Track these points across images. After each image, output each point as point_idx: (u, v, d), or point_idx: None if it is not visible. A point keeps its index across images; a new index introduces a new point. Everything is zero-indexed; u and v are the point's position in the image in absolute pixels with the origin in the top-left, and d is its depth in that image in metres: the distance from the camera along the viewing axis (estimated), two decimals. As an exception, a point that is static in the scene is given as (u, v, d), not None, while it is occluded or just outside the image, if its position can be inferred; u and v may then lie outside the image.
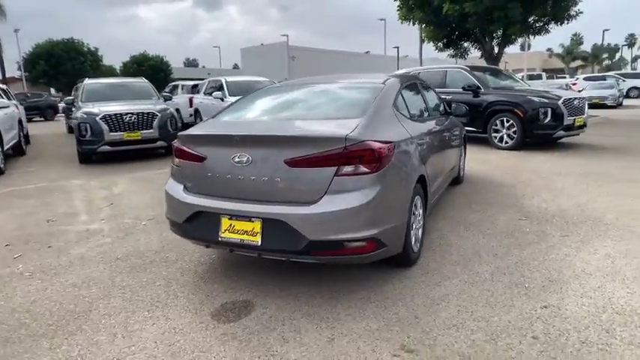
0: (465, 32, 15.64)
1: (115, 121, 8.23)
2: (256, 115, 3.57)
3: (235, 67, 74.66)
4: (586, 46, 65.82)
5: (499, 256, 3.40)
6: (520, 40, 18.38)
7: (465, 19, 13.69)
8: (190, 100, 13.85)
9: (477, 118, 8.91)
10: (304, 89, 3.90)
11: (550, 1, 13.32)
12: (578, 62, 64.43)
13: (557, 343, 2.25)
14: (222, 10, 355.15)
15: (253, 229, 2.69)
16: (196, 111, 13.05)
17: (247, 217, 2.71)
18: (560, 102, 8.14)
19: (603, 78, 25.02)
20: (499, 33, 15.16)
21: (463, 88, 9.25)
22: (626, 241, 3.62)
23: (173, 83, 18.52)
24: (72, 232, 4.38)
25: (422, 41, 17.89)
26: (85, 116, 8.21)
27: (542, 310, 2.57)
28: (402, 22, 16.12)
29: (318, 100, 3.64)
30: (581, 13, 14.72)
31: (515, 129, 8.46)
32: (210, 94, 12.09)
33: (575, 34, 63.30)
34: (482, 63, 15.97)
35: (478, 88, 9.08)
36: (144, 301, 2.90)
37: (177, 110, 13.36)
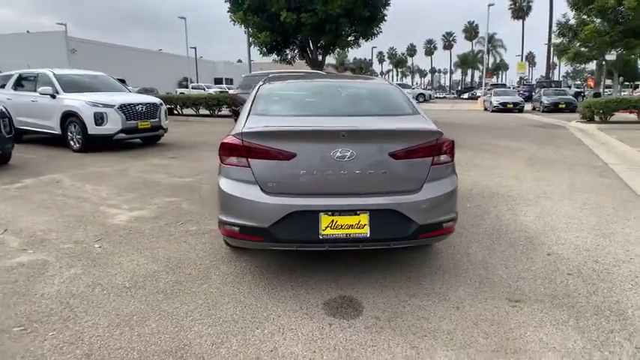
0: (294, 40, 16.88)
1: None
2: (308, 111, 3.40)
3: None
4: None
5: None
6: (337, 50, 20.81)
7: (299, 28, 14.82)
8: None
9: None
10: (326, 87, 3.99)
11: (363, 21, 15.72)
12: (349, 72, 76.78)
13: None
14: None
15: (360, 221, 2.72)
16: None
17: (353, 211, 2.71)
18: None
19: None
20: (323, 43, 16.98)
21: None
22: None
23: None
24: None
25: (249, 45, 18.31)
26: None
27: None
28: (234, 25, 16.23)
29: (355, 98, 3.72)
30: (381, 32, 17.86)
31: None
32: (24, 88, 9.75)
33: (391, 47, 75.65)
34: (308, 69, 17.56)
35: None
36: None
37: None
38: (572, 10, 17.92)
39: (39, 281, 3.07)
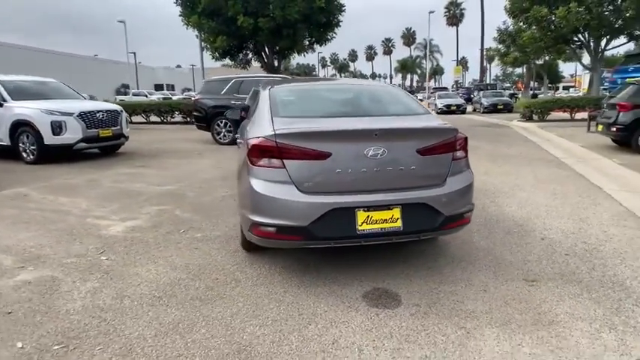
0: (248, 45, 16.81)
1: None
2: (331, 112, 3.48)
3: None
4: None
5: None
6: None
7: (256, 33, 14.79)
8: None
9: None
10: (337, 89, 4.17)
11: (320, 27, 16.03)
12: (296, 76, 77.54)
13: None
14: None
15: (393, 216, 2.86)
16: None
17: (386, 206, 2.85)
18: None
19: None
20: (278, 48, 17.05)
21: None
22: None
23: None
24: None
25: (202, 49, 17.90)
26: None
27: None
28: (187, 28, 15.85)
29: (370, 99, 3.86)
30: (335, 37, 18.27)
31: None
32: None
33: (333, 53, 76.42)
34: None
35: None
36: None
37: None
38: (510, 19, 19.53)
39: (56, 298, 2.91)
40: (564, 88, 58.03)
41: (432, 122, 3.31)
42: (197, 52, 18.49)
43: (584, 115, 14.71)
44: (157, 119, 17.75)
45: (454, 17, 75.02)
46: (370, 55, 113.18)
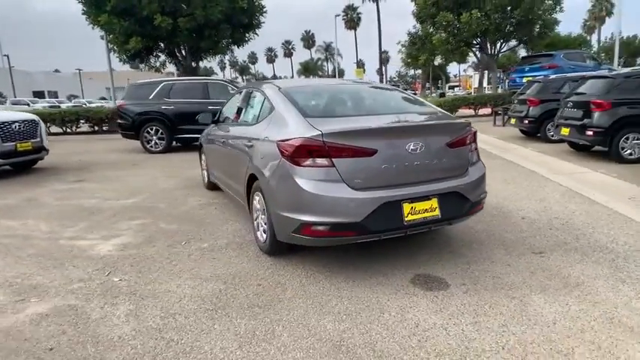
0: (158, 46, 15.91)
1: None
2: (359, 111, 3.66)
3: None
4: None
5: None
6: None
7: (174, 34, 14.08)
8: None
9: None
10: (349, 90, 4.26)
11: (242, 27, 15.79)
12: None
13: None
14: None
15: (432, 205, 3.10)
16: None
17: (426, 197, 3.08)
18: None
19: None
20: (193, 48, 16.39)
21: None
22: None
23: None
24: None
25: (109, 52, 16.32)
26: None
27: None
28: (93, 28, 14.50)
29: (384, 98, 4.07)
30: (252, 39, 18.12)
31: None
32: None
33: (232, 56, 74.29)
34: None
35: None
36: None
37: None
38: (418, 23, 21.28)
39: (95, 326, 2.62)
40: (450, 87, 64.46)
41: (450, 118, 3.63)
42: (78, 53, 16.94)
43: (486, 110, 16.67)
44: (59, 130, 15.96)
45: (352, 21, 78.74)
46: (270, 58, 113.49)
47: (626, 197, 5.11)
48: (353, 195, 2.90)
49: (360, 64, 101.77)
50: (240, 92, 4.94)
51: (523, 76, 15.17)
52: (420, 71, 49.83)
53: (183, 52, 16.21)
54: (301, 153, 2.95)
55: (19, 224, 4.79)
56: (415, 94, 41.43)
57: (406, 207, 3.01)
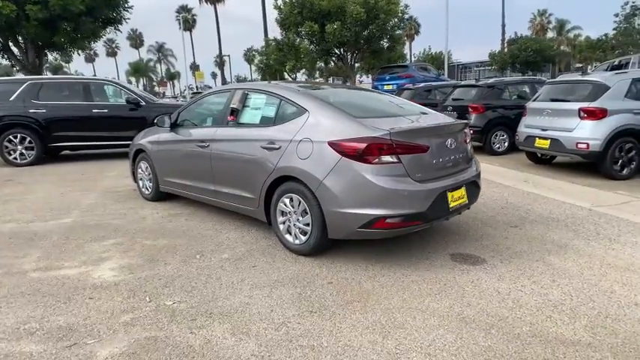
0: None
1: None
2: (389, 113, 3.88)
3: None
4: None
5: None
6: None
7: (19, 24, 11.69)
8: None
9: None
10: (357, 93, 4.55)
11: (106, 21, 13.96)
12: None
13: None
14: None
15: (462, 193, 3.62)
16: None
17: (459, 186, 3.58)
18: None
19: None
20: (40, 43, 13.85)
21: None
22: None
23: None
24: None
25: None
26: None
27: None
28: None
29: (396, 101, 4.36)
30: (98, 40, 15.90)
31: None
32: None
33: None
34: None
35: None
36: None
37: None
38: (282, 31, 21.87)
39: (207, 354, 2.36)
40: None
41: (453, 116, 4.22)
42: None
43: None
44: None
45: (187, 22, 75.61)
46: (90, 57, 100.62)
47: (522, 180, 6.58)
48: (419, 187, 3.22)
49: (195, 67, 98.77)
50: (219, 93, 4.68)
51: (384, 84, 17.25)
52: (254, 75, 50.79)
53: (23, 46, 13.43)
54: (371, 151, 3.12)
55: None
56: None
57: (450, 196, 3.46)
